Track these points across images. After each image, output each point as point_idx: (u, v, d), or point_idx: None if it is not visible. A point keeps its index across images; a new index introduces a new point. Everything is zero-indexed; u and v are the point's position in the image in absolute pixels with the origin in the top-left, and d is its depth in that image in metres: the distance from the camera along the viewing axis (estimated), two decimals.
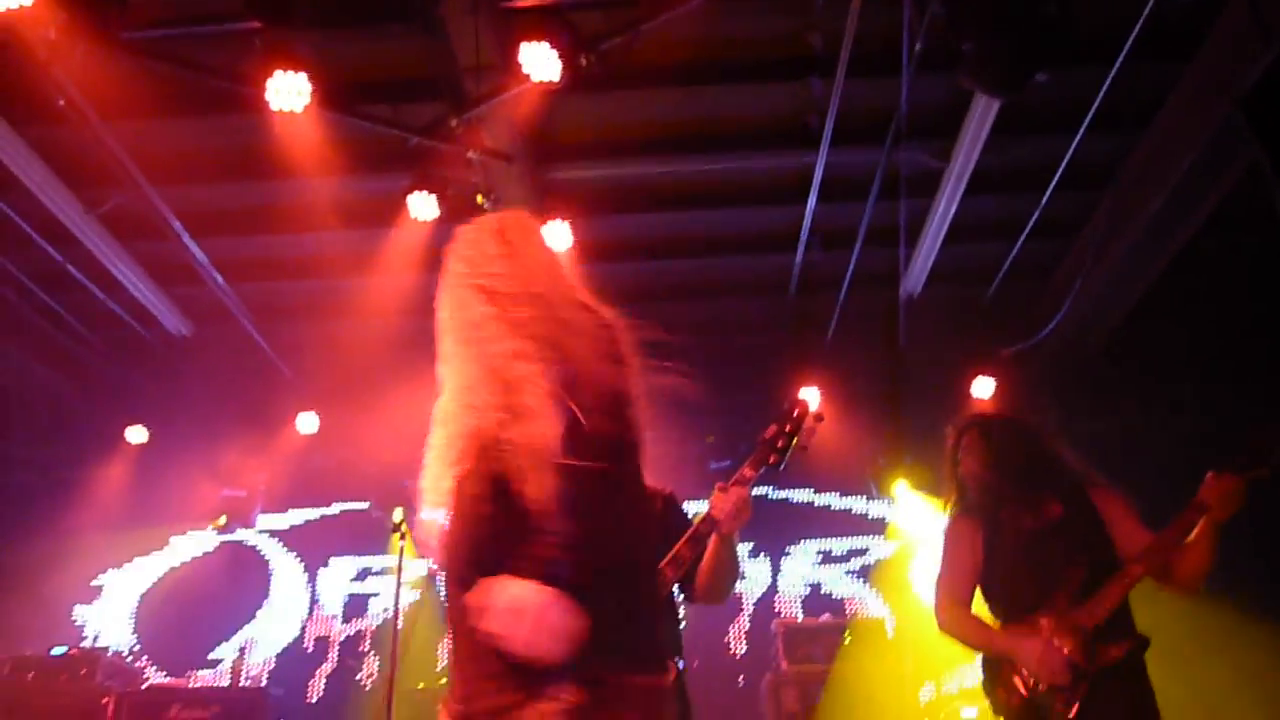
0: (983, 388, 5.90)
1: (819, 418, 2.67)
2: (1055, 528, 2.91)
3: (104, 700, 4.91)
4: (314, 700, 6.54)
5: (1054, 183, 5.06)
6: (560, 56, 3.87)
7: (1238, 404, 5.18)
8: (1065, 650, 2.69)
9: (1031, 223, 5.43)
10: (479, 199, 4.91)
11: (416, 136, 4.52)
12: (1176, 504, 2.73)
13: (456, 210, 4.87)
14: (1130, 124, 4.95)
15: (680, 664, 2.56)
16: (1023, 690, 2.74)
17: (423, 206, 4.68)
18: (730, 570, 2.72)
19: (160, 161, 4.95)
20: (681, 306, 6.41)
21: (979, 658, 2.95)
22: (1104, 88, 4.39)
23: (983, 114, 4.50)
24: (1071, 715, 2.63)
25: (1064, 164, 4.92)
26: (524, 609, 1.56)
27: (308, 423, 6.57)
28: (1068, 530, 2.90)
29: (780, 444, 2.65)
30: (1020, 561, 2.90)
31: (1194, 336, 5.47)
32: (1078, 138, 4.72)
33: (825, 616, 5.63)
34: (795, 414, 2.67)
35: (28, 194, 4.89)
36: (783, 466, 2.64)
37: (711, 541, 2.63)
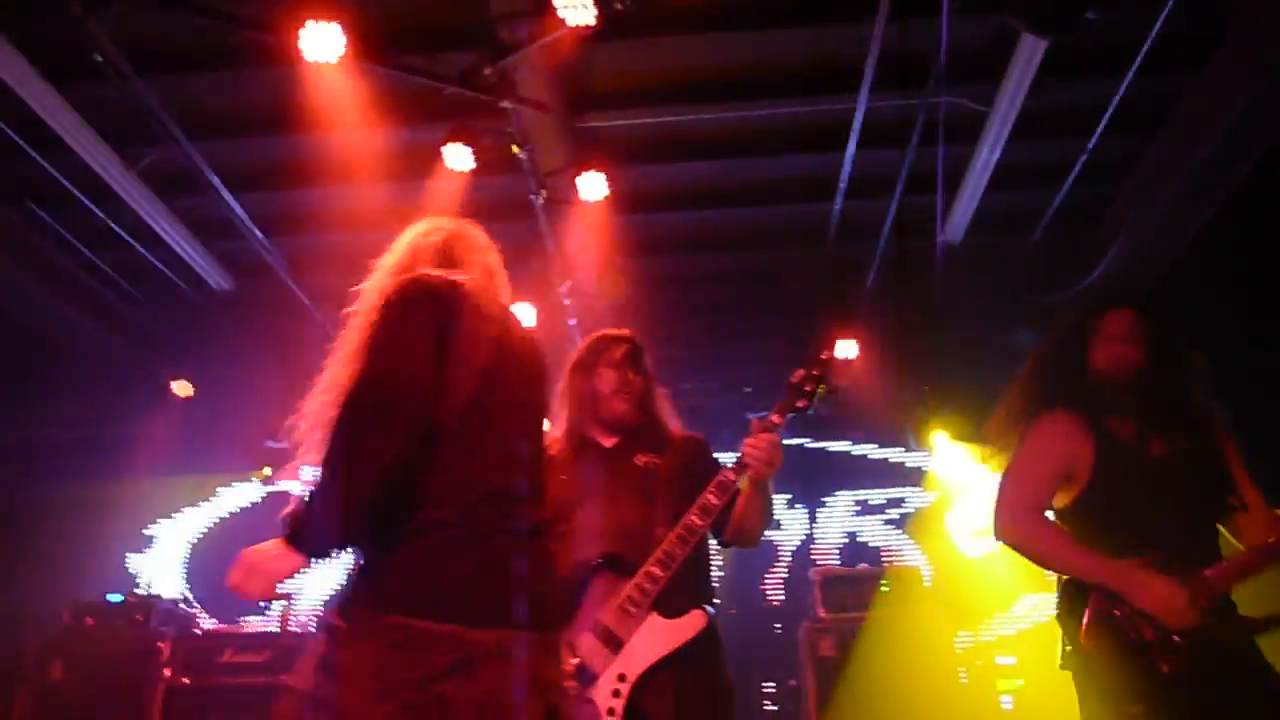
0: (1024, 338, 5.82)
1: (847, 361, 2.71)
2: (1185, 464, 2.47)
3: (160, 644, 5.07)
4: None
5: (1101, 126, 4.93)
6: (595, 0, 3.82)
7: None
8: (1196, 599, 2.23)
9: (1077, 168, 5.30)
10: (514, 149, 4.89)
11: (451, 87, 4.49)
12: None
13: (492, 161, 4.87)
14: (1182, 66, 4.78)
15: (711, 611, 2.57)
16: (1129, 629, 2.25)
17: (458, 158, 4.68)
18: (762, 515, 2.71)
19: (197, 116, 4.97)
20: (718, 257, 6.37)
21: (1060, 584, 2.48)
22: (1156, 27, 4.24)
23: (1029, 55, 4.37)
24: (1170, 672, 2.19)
25: (1112, 107, 4.78)
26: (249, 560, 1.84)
27: None
28: (1198, 472, 2.47)
29: (808, 388, 2.63)
30: (1138, 491, 2.44)
31: (1243, 286, 5.33)
32: (1127, 79, 4.58)
33: (862, 566, 5.64)
34: (822, 357, 2.67)
35: (68, 151, 4.94)
36: (811, 410, 2.63)
37: (744, 487, 2.64)
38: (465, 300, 1.94)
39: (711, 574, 2.80)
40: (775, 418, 2.60)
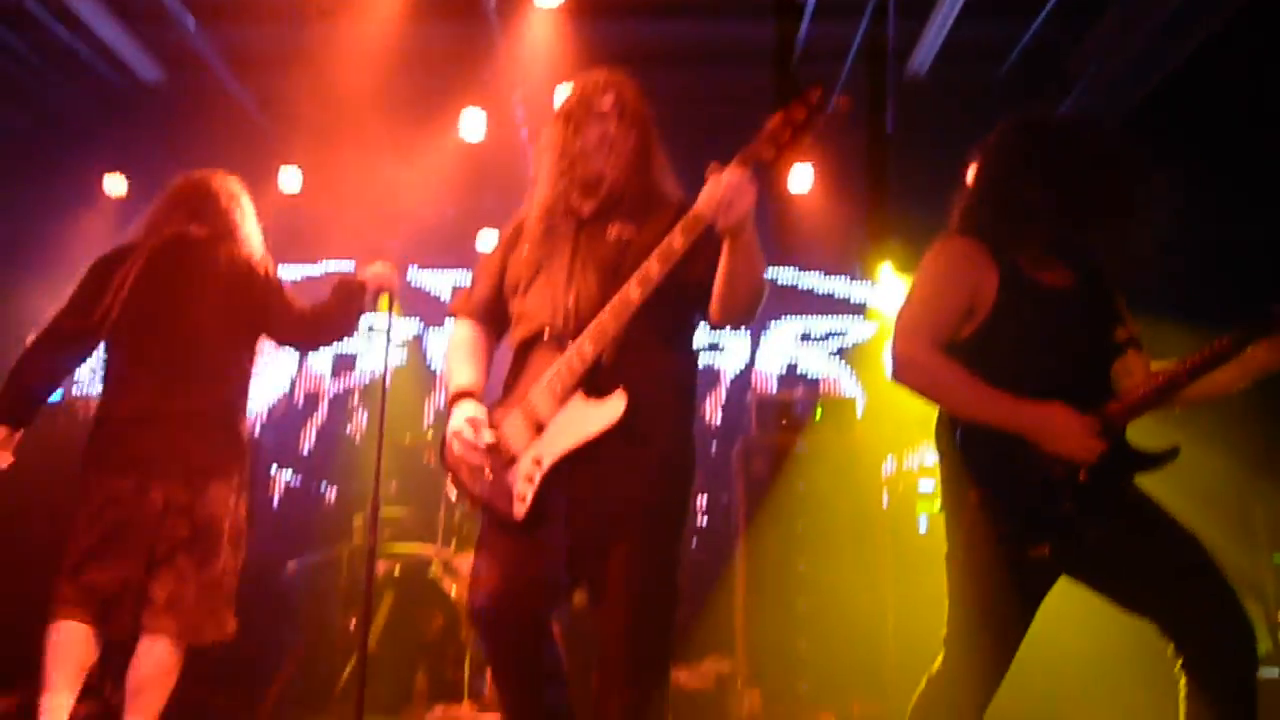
0: (971, 175, 5.78)
1: (837, 111, 2.15)
2: (1077, 295, 2.35)
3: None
4: (306, 452, 6.82)
5: None
6: None
7: (1249, 206, 5.10)
8: (1103, 435, 2.20)
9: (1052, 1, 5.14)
10: None
11: None
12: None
13: None
14: None
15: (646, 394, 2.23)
16: (1035, 470, 2.20)
17: None
18: (743, 278, 2.21)
19: None
20: (677, 73, 6.15)
21: (947, 432, 2.33)
22: None
23: None
24: (1073, 509, 2.19)
25: None
26: None
27: (290, 179, 6.43)
28: (1089, 303, 2.36)
29: (785, 136, 2.14)
30: (1039, 326, 2.31)
31: (1211, 128, 5.30)
32: None
33: (799, 390, 5.81)
34: (809, 100, 2.14)
35: None
36: (781, 164, 2.23)
37: (722, 248, 2.19)
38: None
39: (673, 359, 2.41)
40: (735, 165, 2.11)
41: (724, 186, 2.07)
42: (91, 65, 5.95)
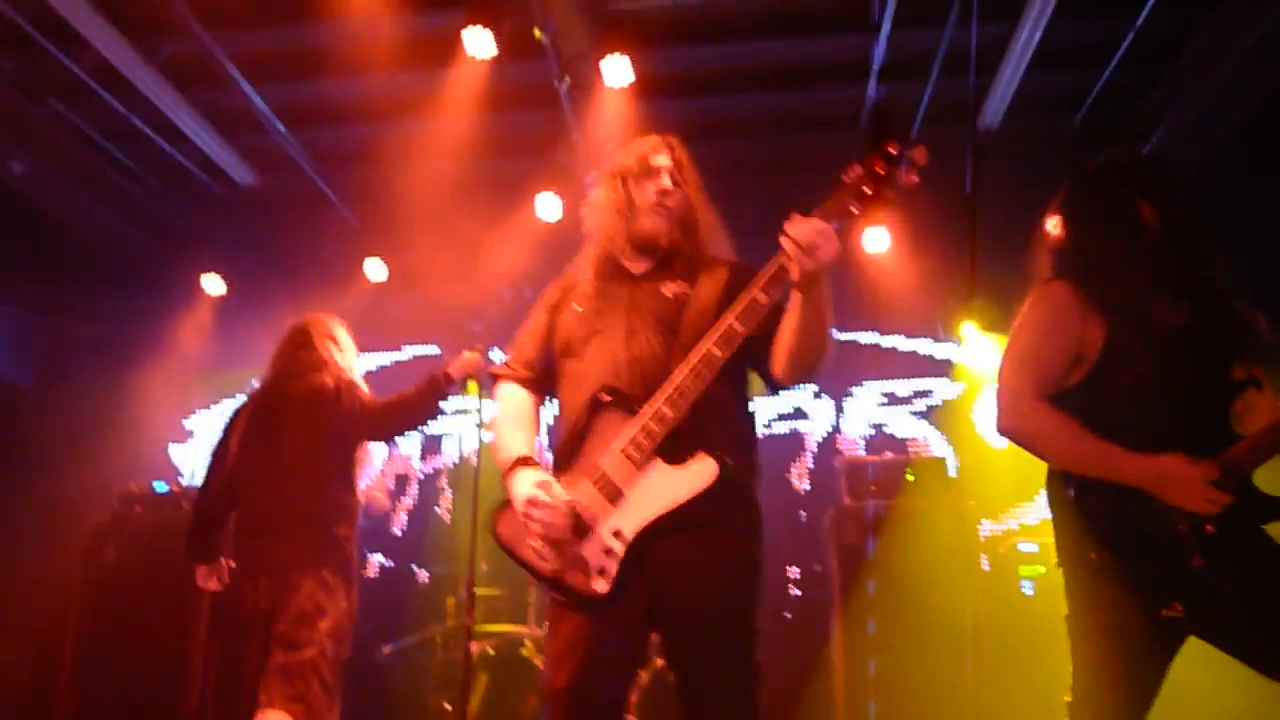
0: (1054, 228, 5.67)
1: (920, 162, 2.02)
2: (1188, 333, 2.22)
3: None
4: (399, 532, 6.92)
5: (1151, 2, 4.69)
6: None
7: None
8: (1226, 484, 2.08)
9: (1124, 47, 5.07)
10: (536, 32, 4.75)
11: None
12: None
13: (514, 46, 4.74)
14: None
15: (729, 461, 2.13)
16: (1159, 526, 2.08)
17: (478, 43, 4.56)
18: (815, 335, 2.10)
19: (213, 5, 4.86)
20: (747, 143, 6.23)
21: (1062, 489, 2.23)
22: None
23: None
24: (1202, 564, 2.06)
25: None
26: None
27: (375, 269, 6.67)
28: (1211, 341, 2.22)
29: (868, 188, 2.01)
30: (1154, 369, 2.17)
31: None
32: None
33: (887, 454, 5.68)
34: (888, 150, 2.01)
35: (85, 44, 4.86)
36: (864, 219, 2.07)
37: (793, 298, 2.08)
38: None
39: (746, 420, 2.35)
40: (817, 216, 2.02)
41: (808, 235, 1.96)
42: (190, 172, 6.31)
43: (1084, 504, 2.19)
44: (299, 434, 3.77)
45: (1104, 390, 2.22)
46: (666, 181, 2.43)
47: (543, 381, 2.51)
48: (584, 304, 2.41)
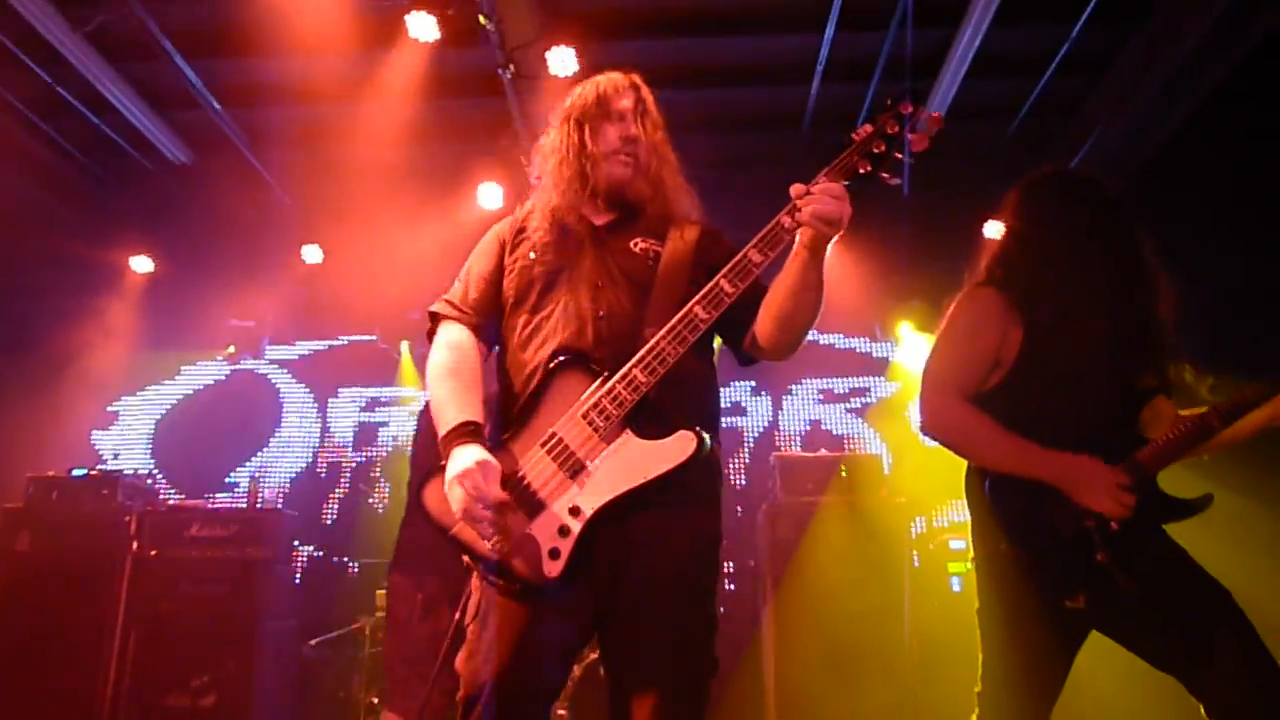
0: (995, 230, 5.80)
1: (938, 121, 1.96)
2: (1103, 343, 2.28)
3: (126, 518, 5.10)
4: (329, 522, 6.81)
5: (1087, 13, 4.81)
6: None
7: (1261, 256, 5.07)
8: (1134, 485, 2.16)
9: (1059, 57, 5.20)
10: (481, 20, 4.70)
11: None
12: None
13: (458, 32, 4.68)
14: None
15: (706, 437, 1.95)
16: (1067, 522, 2.15)
17: (422, 28, 4.49)
18: (814, 300, 1.99)
19: None
20: (691, 138, 6.22)
21: (977, 484, 2.29)
22: None
23: None
24: (1106, 560, 2.12)
25: None
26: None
27: (312, 254, 6.54)
28: (1115, 351, 2.29)
29: (878, 148, 1.92)
30: (1069, 372, 2.26)
31: (1220, 183, 5.32)
32: None
33: (821, 451, 5.76)
34: (902, 110, 1.94)
35: (10, 10, 4.67)
36: (876, 179, 1.95)
37: (794, 261, 1.96)
38: None
39: (716, 393, 2.17)
40: (827, 176, 1.91)
41: (827, 200, 1.85)
42: (120, 148, 6.11)
43: (997, 498, 2.24)
44: None
45: (1020, 392, 2.29)
46: (632, 127, 2.22)
47: (489, 329, 2.23)
48: (540, 251, 2.18)
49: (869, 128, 1.94)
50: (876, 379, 6.97)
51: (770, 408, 6.98)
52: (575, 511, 1.91)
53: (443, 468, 1.99)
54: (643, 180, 2.23)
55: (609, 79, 2.29)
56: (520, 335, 2.14)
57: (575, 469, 1.93)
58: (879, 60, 5.19)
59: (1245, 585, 2.21)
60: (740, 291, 1.95)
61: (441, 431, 2.04)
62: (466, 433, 2.00)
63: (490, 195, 5.88)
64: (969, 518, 2.39)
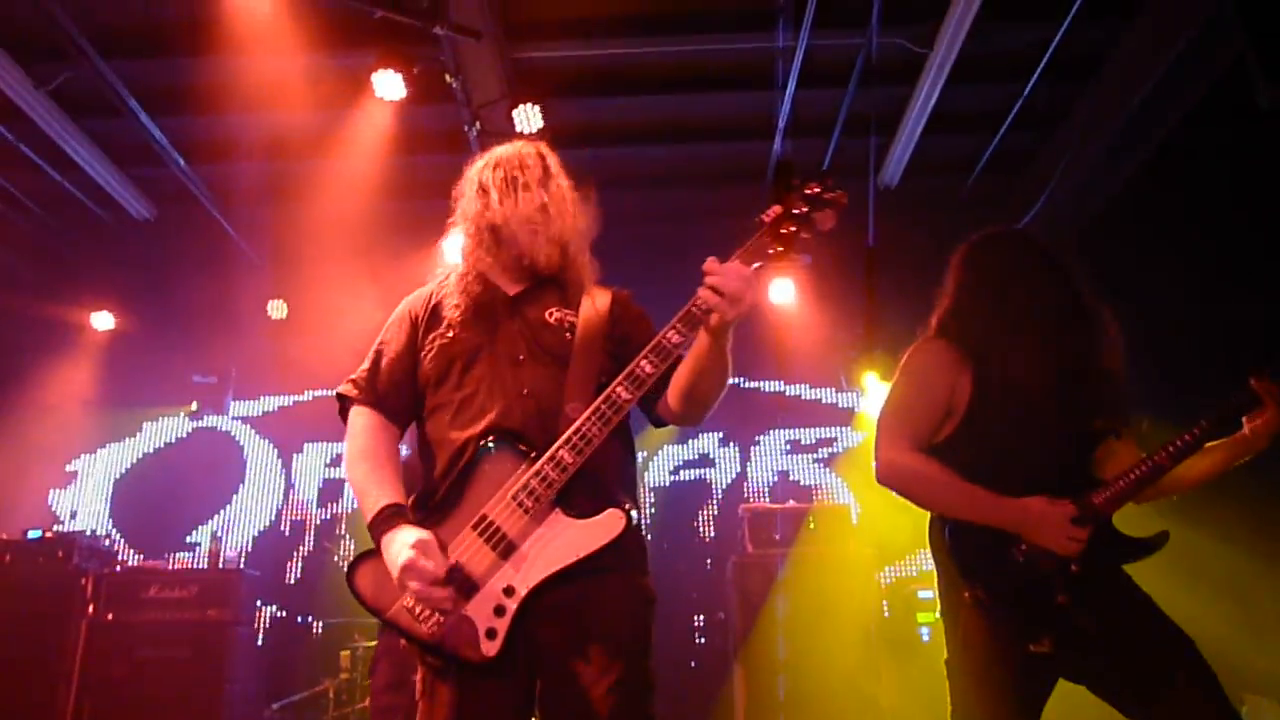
0: (945, 286, 5.90)
1: (839, 202, 1.97)
2: (1051, 390, 2.32)
3: (82, 581, 4.98)
4: (292, 581, 6.67)
5: (1038, 71, 4.97)
6: None
7: (1211, 302, 5.20)
8: (1080, 517, 2.19)
9: (1014, 113, 5.35)
10: (447, 78, 4.76)
11: (381, 10, 4.33)
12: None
13: (424, 90, 4.73)
14: (1119, 13, 4.84)
15: (633, 512, 2.02)
16: (1028, 567, 2.18)
17: (388, 86, 4.53)
18: (719, 376, 2.04)
19: (111, 34, 4.73)
20: (654, 193, 6.32)
21: (939, 533, 2.32)
22: None
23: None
24: (1066, 602, 2.16)
25: (1049, 52, 4.81)
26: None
27: (277, 309, 6.50)
28: (1064, 398, 2.33)
29: (786, 229, 1.95)
30: (1019, 420, 2.30)
31: (1171, 230, 5.47)
32: (1065, 25, 4.61)
33: (790, 503, 5.76)
34: (808, 191, 1.97)
35: None
36: (784, 260, 1.96)
37: (699, 339, 1.99)
38: None
39: (633, 464, 2.22)
40: (739, 259, 1.95)
41: (733, 284, 1.87)
42: (82, 203, 6.07)
43: (957, 546, 2.26)
44: None
45: (972, 442, 2.32)
46: (540, 199, 2.22)
47: (401, 411, 2.21)
48: (458, 329, 2.18)
49: (778, 209, 1.97)
50: (843, 428, 7.02)
51: (738, 458, 6.99)
52: (510, 591, 1.95)
53: (370, 552, 2.02)
54: (553, 248, 2.22)
55: (516, 148, 2.31)
56: (444, 414, 2.14)
57: (507, 550, 1.96)
58: (839, 115, 5.31)
59: (1216, 632, 2.23)
60: (659, 371, 1.99)
61: (367, 518, 2.04)
62: (392, 514, 2.01)
63: (457, 249, 5.88)
64: (934, 567, 2.40)
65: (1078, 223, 5.97)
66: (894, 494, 2.35)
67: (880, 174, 5.88)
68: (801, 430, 7.03)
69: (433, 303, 2.27)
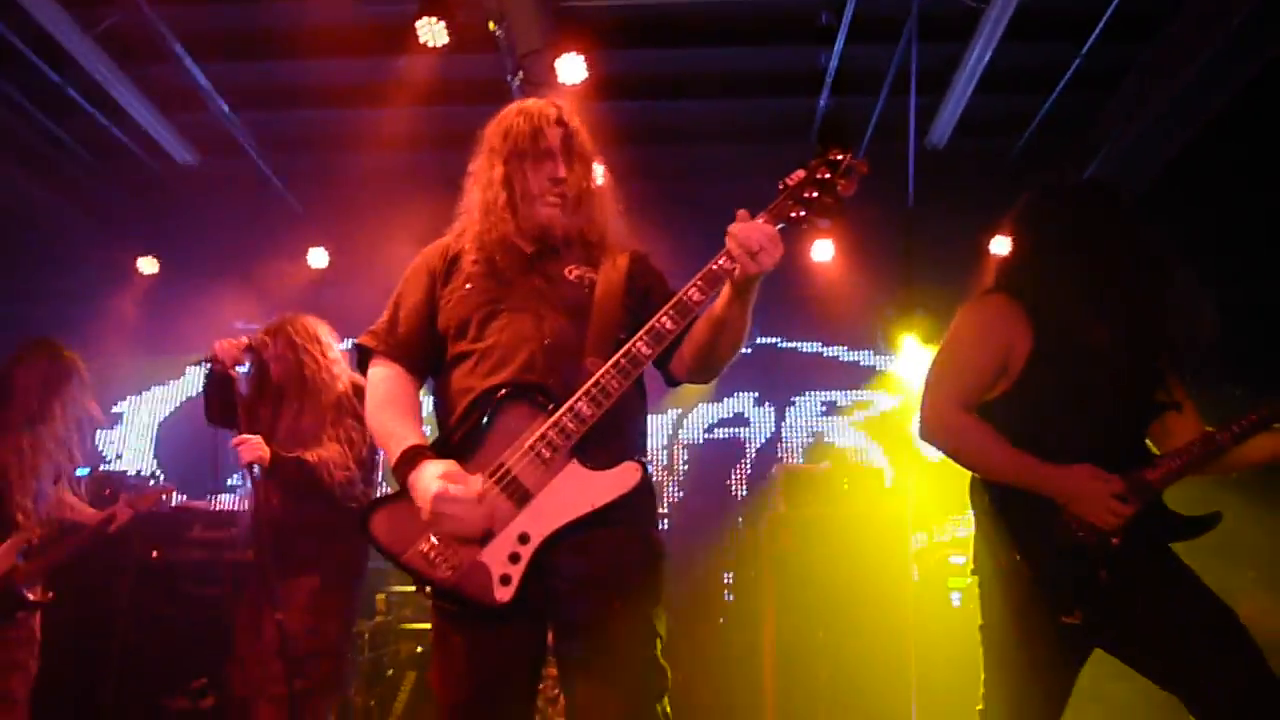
0: (1002, 246, 5.80)
1: (863, 170, 1.97)
2: (1113, 355, 2.23)
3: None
4: None
5: (1097, 32, 4.81)
6: None
7: (1263, 280, 5.06)
8: (1126, 493, 2.14)
9: (1069, 74, 5.20)
10: (490, 26, 4.71)
11: None
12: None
13: (467, 39, 4.69)
14: None
15: (647, 464, 2.09)
16: (1067, 537, 2.14)
17: (431, 32, 4.50)
18: (738, 334, 2.05)
19: None
20: (697, 149, 6.25)
21: (982, 496, 2.26)
22: None
23: None
24: (1108, 578, 2.12)
25: (1109, 12, 4.66)
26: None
27: (318, 258, 6.55)
28: (1126, 364, 2.24)
29: (809, 194, 1.95)
30: (1075, 385, 2.22)
31: (1228, 201, 5.31)
32: None
33: (824, 464, 5.74)
34: (832, 157, 1.97)
35: (19, 9, 4.69)
36: (806, 224, 1.97)
37: (723, 293, 2.00)
38: None
39: (645, 416, 2.24)
40: (764, 218, 1.96)
41: (755, 236, 1.89)
42: (127, 149, 6.12)
43: (1001, 511, 2.22)
44: None
45: (1025, 404, 2.25)
46: (560, 170, 2.21)
47: (420, 363, 2.25)
48: (476, 281, 2.19)
49: (801, 173, 1.99)
50: (879, 392, 6.96)
51: (774, 419, 6.97)
52: (525, 538, 1.98)
53: (385, 498, 2.07)
54: (571, 218, 2.23)
55: (535, 111, 2.27)
56: (464, 365, 2.16)
57: (523, 499, 1.99)
58: (889, 73, 5.20)
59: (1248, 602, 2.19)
60: (680, 327, 2.02)
61: (391, 461, 2.08)
62: (415, 454, 2.05)
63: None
64: (972, 531, 2.36)
65: (1134, 189, 5.81)
66: (936, 456, 2.31)
67: (928, 134, 5.75)
68: (838, 392, 6.99)
69: (450, 255, 2.28)
